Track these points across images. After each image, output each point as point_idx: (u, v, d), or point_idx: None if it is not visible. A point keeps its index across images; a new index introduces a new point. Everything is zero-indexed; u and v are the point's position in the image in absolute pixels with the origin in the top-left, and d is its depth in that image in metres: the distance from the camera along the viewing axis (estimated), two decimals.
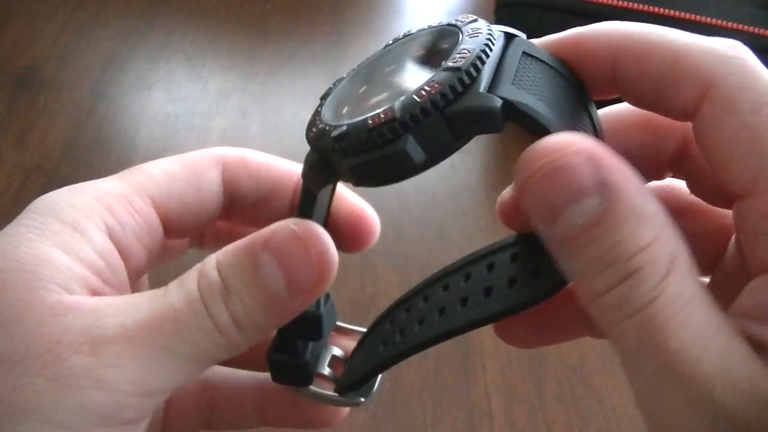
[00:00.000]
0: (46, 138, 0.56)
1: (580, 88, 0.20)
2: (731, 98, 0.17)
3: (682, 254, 0.16)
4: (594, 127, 0.20)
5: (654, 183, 0.22)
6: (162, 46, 0.66)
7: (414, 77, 0.18)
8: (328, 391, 0.25)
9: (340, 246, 0.25)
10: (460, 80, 0.17)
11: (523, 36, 0.19)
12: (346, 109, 0.19)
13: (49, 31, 0.67)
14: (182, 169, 0.23)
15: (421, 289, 0.24)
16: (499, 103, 0.17)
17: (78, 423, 0.18)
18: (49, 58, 0.64)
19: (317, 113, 0.20)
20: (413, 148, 0.17)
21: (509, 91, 0.17)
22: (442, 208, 0.52)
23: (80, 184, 0.22)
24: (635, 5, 0.52)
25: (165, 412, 0.25)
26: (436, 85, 0.17)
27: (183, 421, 0.25)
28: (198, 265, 0.20)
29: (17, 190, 0.51)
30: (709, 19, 0.51)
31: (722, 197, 0.20)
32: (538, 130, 0.17)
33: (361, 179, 0.18)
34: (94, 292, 0.20)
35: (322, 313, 0.24)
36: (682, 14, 0.52)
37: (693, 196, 0.21)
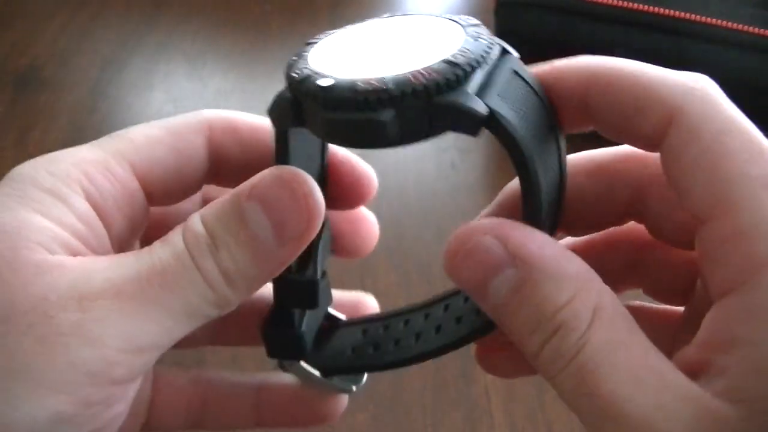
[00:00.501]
0: (46, 138, 0.56)
1: (555, 118, 0.20)
2: (694, 127, 0.18)
3: (605, 305, 0.17)
4: (559, 157, 0.20)
5: (614, 228, 0.23)
6: (162, 47, 0.66)
7: (412, 59, 0.18)
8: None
9: (338, 203, 0.25)
10: (456, 75, 0.17)
11: (516, 54, 0.20)
12: (335, 64, 0.19)
13: (50, 31, 0.67)
14: (165, 134, 0.22)
15: (401, 313, 0.25)
16: (485, 110, 0.17)
17: (68, 383, 0.18)
18: (50, 58, 0.64)
19: (301, 56, 0.20)
20: (391, 123, 0.17)
21: (495, 101, 0.18)
22: (442, 208, 0.52)
23: (58, 152, 0.21)
24: (635, 5, 0.52)
25: (151, 404, 0.25)
26: (432, 73, 0.17)
27: (171, 418, 0.25)
28: (183, 223, 0.20)
29: None
30: (709, 19, 0.51)
31: (681, 240, 0.21)
32: (512, 145, 0.18)
33: (331, 134, 0.18)
34: (77, 255, 0.19)
35: (317, 279, 0.23)
36: (682, 14, 0.51)
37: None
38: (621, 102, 0.19)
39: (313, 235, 0.20)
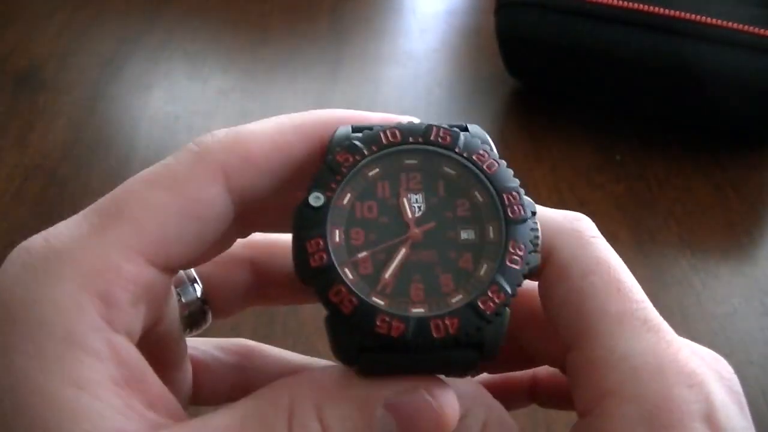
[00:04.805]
0: (46, 138, 0.56)
1: None
2: (564, 266, 0.20)
3: (492, 420, 0.21)
4: None
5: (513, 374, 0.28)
6: (162, 46, 0.66)
7: (448, 261, 0.19)
8: None
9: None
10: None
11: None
12: (366, 255, 0.19)
13: (49, 31, 0.67)
14: (176, 200, 0.19)
15: None
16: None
17: None
18: (49, 58, 0.64)
19: (321, 232, 0.18)
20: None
21: None
22: None
23: (51, 249, 0.18)
24: (635, 5, 0.52)
25: (194, 390, 0.24)
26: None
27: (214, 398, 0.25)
28: (282, 400, 0.18)
29: (17, 190, 0.51)
30: (709, 19, 0.51)
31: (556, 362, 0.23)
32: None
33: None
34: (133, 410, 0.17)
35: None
36: (682, 14, 0.51)
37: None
38: None
39: None
